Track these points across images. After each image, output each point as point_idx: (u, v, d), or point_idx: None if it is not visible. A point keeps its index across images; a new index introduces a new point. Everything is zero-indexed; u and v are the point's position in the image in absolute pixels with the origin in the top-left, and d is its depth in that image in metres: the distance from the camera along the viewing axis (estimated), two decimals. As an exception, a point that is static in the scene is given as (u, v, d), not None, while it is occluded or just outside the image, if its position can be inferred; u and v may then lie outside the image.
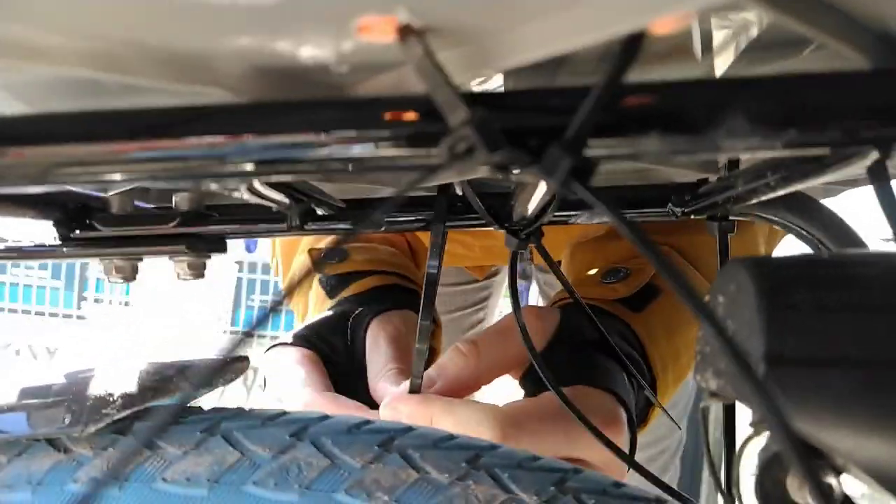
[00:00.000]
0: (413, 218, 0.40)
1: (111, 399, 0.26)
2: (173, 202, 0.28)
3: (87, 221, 0.28)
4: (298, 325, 0.51)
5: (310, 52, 0.16)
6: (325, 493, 0.25)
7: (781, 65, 0.19)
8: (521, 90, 0.17)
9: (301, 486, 0.26)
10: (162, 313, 2.75)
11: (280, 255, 0.60)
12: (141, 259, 0.29)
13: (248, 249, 2.84)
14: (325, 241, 0.55)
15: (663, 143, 0.18)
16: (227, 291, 2.88)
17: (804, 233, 0.35)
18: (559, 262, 0.62)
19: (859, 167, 0.22)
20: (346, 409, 0.39)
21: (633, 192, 0.36)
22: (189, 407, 0.29)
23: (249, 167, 0.19)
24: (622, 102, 0.17)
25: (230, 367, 0.30)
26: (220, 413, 0.28)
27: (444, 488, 0.26)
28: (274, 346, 0.46)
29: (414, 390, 0.38)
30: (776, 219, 0.35)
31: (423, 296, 0.35)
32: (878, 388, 0.19)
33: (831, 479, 0.20)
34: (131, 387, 0.27)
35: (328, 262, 0.53)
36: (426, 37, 0.16)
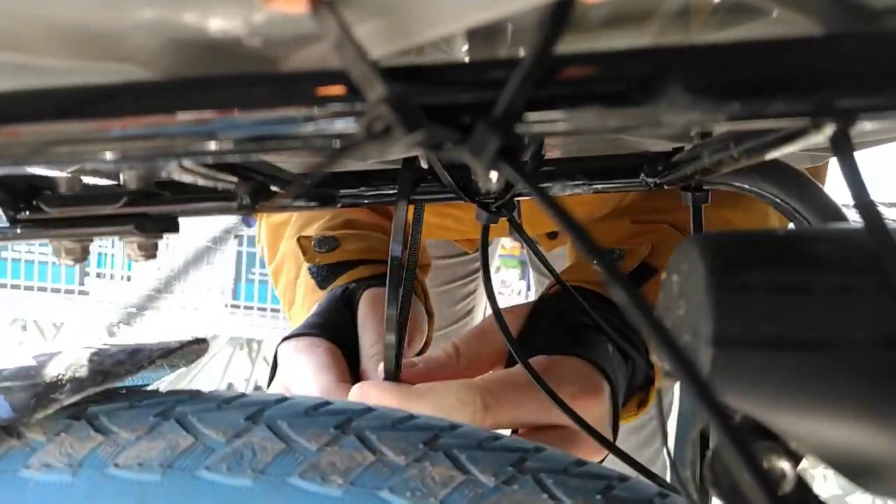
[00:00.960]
0: (381, 192, 0.39)
1: (61, 383, 0.26)
2: (121, 180, 0.27)
3: (34, 202, 0.27)
4: (301, 316, 0.50)
5: (218, 24, 0.15)
6: (279, 476, 0.25)
7: (734, 31, 0.18)
8: (450, 63, 0.16)
9: (255, 470, 0.25)
10: (163, 288, 2.75)
11: (266, 242, 0.59)
12: (91, 240, 0.28)
13: (248, 224, 2.83)
14: (313, 228, 0.54)
15: (602, 117, 0.17)
16: (228, 265, 2.88)
17: (781, 203, 0.34)
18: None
19: (820, 138, 0.21)
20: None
21: (605, 162, 0.35)
22: (144, 390, 0.28)
23: (172, 147, 0.18)
24: (559, 75, 0.16)
25: (187, 348, 0.29)
26: (176, 396, 0.28)
27: (401, 470, 0.26)
28: (287, 337, 0.46)
29: (388, 378, 0.37)
30: (752, 188, 0.34)
31: (387, 282, 0.34)
32: (829, 370, 0.18)
33: (784, 463, 0.19)
34: (82, 371, 0.26)
35: (318, 252, 0.52)
36: (339, 8, 0.15)
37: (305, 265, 0.51)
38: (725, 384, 0.19)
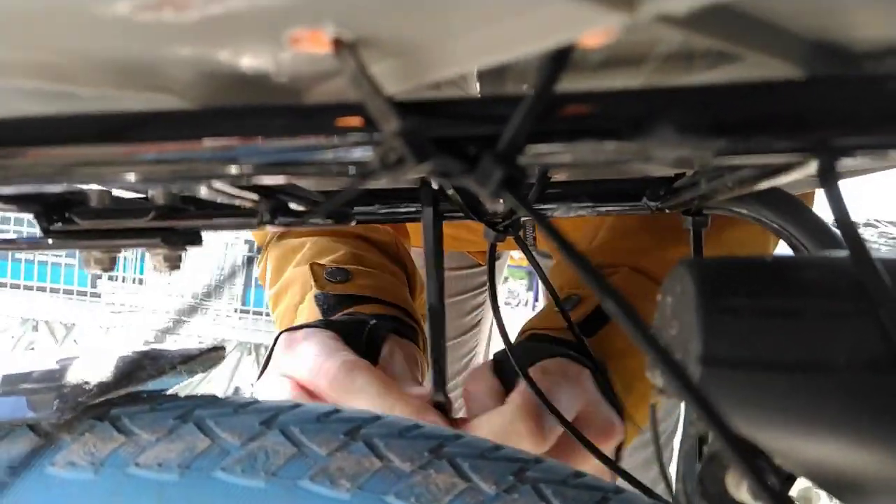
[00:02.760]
0: (395, 210, 0.40)
1: (87, 387, 0.27)
2: (149, 195, 0.29)
3: (66, 215, 0.29)
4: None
5: (249, 61, 0.17)
6: (291, 479, 0.26)
7: (721, 72, 0.19)
8: (459, 99, 0.18)
9: (267, 472, 0.27)
10: (175, 292, 2.79)
11: (272, 265, 0.59)
12: (119, 251, 0.30)
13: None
14: (327, 258, 0.54)
15: (597, 151, 0.18)
16: (240, 273, 2.90)
17: (777, 228, 0.35)
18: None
19: (808, 171, 0.22)
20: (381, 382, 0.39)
21: (609, 186, 0.36)
22: (165, 394, 0.30)
23: (201, 169, 0.20)
24: (558, 111, 0.18)
25: (206, 355, 0.31)
26: (194, 400, 0.29)
27: (406, 476, 0.27)
28: (287, 330, 0.46)
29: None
30: (751, 214, 0.35)
31: (428, 327, 0.35)
32: (811, 391, 0.19)
33: (771, 478, 0.20)
34: (107, 375, 0.28)
35: (329, 281, 0.52)
36: (358, 49, 0.16)
37: (312, 293, 0.52)
38: (713, 402, 0.20)
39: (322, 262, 0.53)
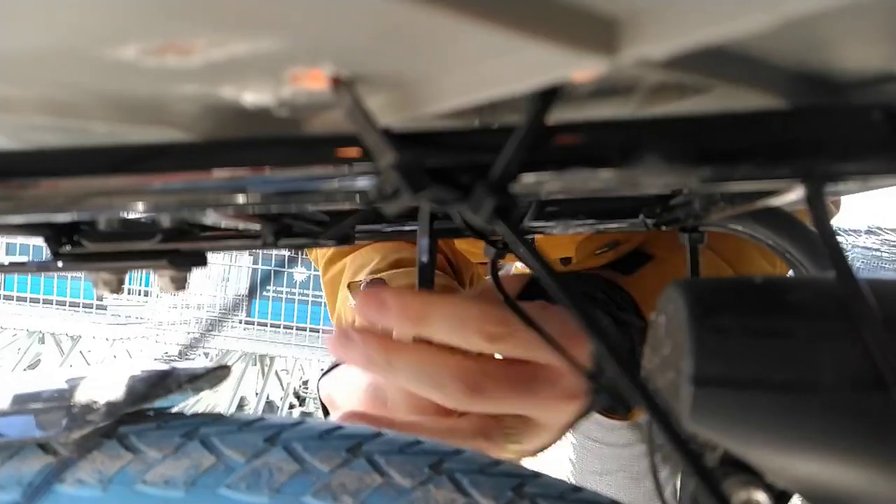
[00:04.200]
0: (398, 228, 0.41)
1: (95, 406, 0.28)
2: (156, 218, 0.30)
3: (75, 238, 0.30)
4: None
5: (251, 97, 0.18)
6: (294, 496, 0.27)
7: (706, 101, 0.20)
8: (453, 130, 0.18)
9: (271, 489, 0.27)
10: (180, 304, 2.80)
11: (325, 293, 0.60)
12: (126, 272, 0.31)
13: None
14: (363, 273, 0.54)
15: (587, 179, 0.19)
16: (244, 283, 2.92)
17: (774, 246, 0.35)
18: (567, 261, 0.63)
19: (794, 196, 0.23)
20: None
21: (607, 204, 0.37)
22: (171, 412, 0.31)
23: (209, 199, 0.20)
24: (549, 141, 0.18)
25: (212, 374, 0.31)
26: (199, 418, 0.30)
27: (407, 492, 0.27)
28: (329, 369, 0.46)
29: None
30: (748, 231, 0.36)
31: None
32: (799, 410, 0.20)
33: (760, 495, 0.21)
34: (115, 394, 0.28)
35: None
36: (354, 85, 0.17)
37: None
38: (705, 421, 0.20)
39: (358, 278, 0.54)
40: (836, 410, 0.19)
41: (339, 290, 0.58)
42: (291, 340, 2.87)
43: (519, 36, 0.13)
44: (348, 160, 0.19)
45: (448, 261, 0.61)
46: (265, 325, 2.85)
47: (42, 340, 3.13)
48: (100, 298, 3.12)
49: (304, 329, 2.81)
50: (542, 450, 0.40)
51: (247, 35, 0.14)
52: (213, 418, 0.30)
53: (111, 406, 0.28)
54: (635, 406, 0.21)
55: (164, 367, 0.30)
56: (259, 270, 2.92)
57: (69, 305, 3.08)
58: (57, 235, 0.30)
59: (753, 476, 0.21)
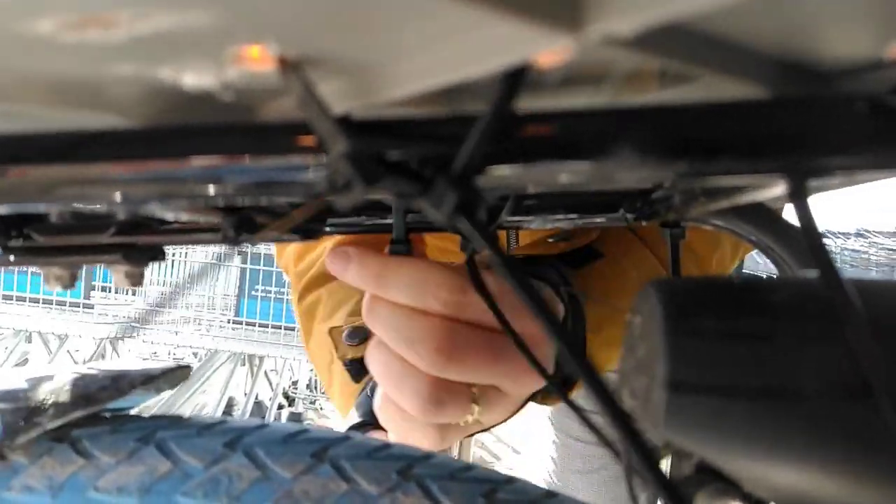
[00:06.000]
0: (374, 222, 0.40)
1: (44, 408, 0.26)
2: (110, 210, 0.28)
3: (25, 231, 0.28)
4: (341, 403, 0.51)
5: (192, 79, 0.16)
6: (254, 504, 0.26)
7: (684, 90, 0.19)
8: (413, 118, 0.17)
9: (231, 497, 0.26)
10: (167, 303, 2.78)
11: (300, 321, 0.59)
12: (80, 267, 0.29)
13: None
14: (342, 312, 0.53)
15: (557, 173, 0.17)
16: (232, 282, 2.90)
17: (758, 243, 0.34)
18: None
19: (777, 191, 0.21)
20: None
21: (587, 198, 0.36)
22: (128, 415, 0.29)
23: (152, 190, 0.19)
24: (516, 132, 0.17)
25: (169, 374, 0.30)
26: (157, 421, 0.28)
27: (374, 499, 0.26)
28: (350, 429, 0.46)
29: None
30: (730, 227, 0.35)
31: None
32: (776, 418, 0.18)
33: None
34: (64, 396, 0.27)
35: (350, 345, 0.50)
36: (303, 67, 0.15)
37: (336, 362, 0.51)
38: (679, 428, 0.19)
39: (338, 321, 0.52)
40: (817, 418, 0.18)
41: (314, 322, 0.56)
42: (280, 340, 2.86)
43: (477, 11, 0.11)
44: (299, 149, 0.17)
45: None
46: (253, 324, 2.83)
47: (29, 339, 3.10)
48: (87, 297, 3.09)
49: (292, 329, 2.79)
50: (498, 423, 0.39)
51: (172, 5, 0.12)
52: (172, 421, 0.28)
53: (59, 407, 0.26)
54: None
55: (119, 367, 0.28)
56: (247, 271, 2.90)
57: (56, 304, 3.05)
58: (6, 228, 0.28)
59: (730, 485, 0.20)
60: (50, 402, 0.27)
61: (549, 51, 0.14)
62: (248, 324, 2.85)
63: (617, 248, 0.48)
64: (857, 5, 0.14)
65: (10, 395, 0.28)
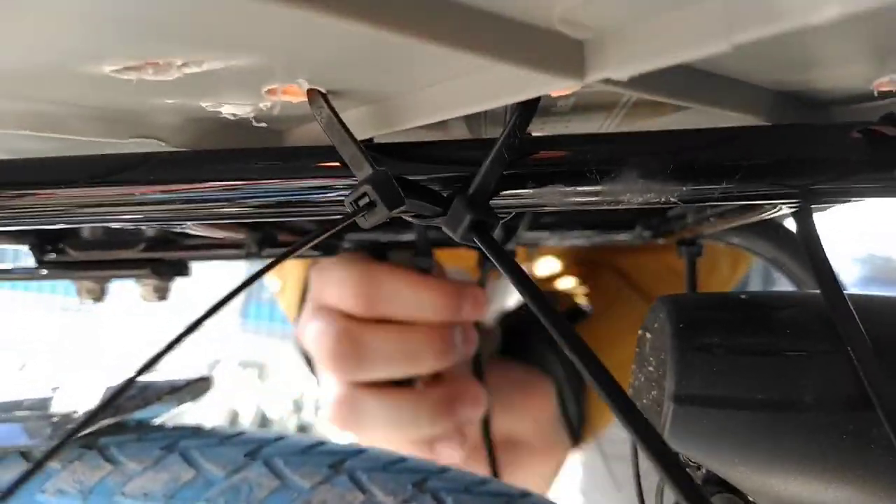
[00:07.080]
0: (394, 238, 0.41)
1: (74, 416, 0.28)
2: (140, 228, 0.29)
3: (60, 246, 0.30)
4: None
5: (231, 109, 0.18)
6: (273, 512, 0.27)
7: (689, 116, 0.20)
8: (433, 142, 0.18)
9: (251, 504, 0.27)
10: (171, 307, 2.80)
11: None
12: (110, 281, 0.31)
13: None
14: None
15: (566, 196, 0.18)
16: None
17: (774, 261, 0.35)
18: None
19: (782, 212, 0.22)
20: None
21: (603, 215, 0.37)
22: (152, 424, 0.30)
23: (190, 211, 0.20)
24: (529, 156, 0.18)
25: (193, 385, 0.31)
26: (181, 431, 0.29)
27: (389, 510, 0.27)
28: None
29: None
30: (746, 245, 0.36)
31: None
32: (779, 430, 0.19)
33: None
34: (93, 404, 0.28)
35: None
36: (331, 98, 0.17)
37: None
38: (685, 439, 0.20)
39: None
40: (819, 430, 0.19)
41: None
42: (288, 347, 2.87)
43: (488, 60, 0.12)
44: (325, 172, 0.19)
45: None
46: (261, 330, 2.84)
47: (30, 345, 3.12)
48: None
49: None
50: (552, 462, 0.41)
51: (223, 54, 0.14)
52: (194, 431, 0.30)
53: (90, 416, 0.27)
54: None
55: (146, 378, 0.29)
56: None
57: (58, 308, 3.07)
58: (42, 243, 0.30)
59: (737, 496, 0.21)
60: (80, 410, 0.28)
61: (558, 89, 0.15)
62: (255, 330, 2.85)
63: (607, 301, 0.49)
64: (848, 43, 0.15)
65: (39, 404, 0.30)
